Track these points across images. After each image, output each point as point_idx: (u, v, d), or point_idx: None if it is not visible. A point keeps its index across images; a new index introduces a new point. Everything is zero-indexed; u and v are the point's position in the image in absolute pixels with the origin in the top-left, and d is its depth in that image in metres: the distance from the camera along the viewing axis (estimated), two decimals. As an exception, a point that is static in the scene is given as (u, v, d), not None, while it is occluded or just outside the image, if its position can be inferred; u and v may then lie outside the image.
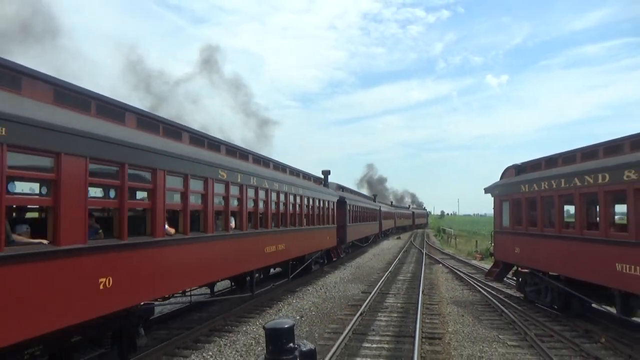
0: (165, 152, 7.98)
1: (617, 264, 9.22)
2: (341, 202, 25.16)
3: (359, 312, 12.08)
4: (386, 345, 9.55)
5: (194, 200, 9.35)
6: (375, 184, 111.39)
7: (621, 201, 10.19)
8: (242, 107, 59.72)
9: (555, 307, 12.45)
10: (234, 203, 11.14)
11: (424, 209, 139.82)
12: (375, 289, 16.04)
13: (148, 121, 8.31)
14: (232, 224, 11.00)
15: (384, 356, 8.87)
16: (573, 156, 11.66)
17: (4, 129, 4.94)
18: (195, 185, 9.20)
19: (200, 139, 10.18)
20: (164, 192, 7.96)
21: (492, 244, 17.32)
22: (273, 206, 13.74)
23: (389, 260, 28.06)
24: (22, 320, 5.20)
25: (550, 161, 12.75)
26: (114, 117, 7.32)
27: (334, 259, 24.26)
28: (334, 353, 8.64)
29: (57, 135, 5.62)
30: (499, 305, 13.46)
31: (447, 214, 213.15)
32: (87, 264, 6.19)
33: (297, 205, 16.38)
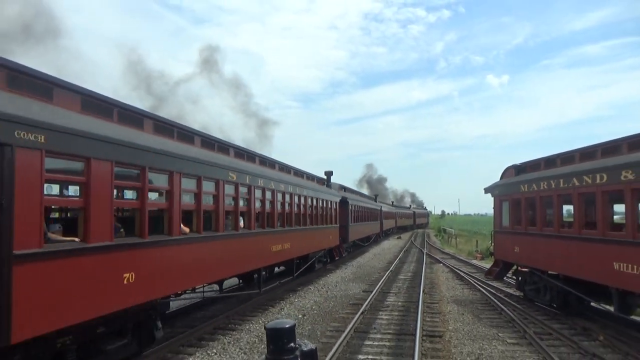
0: (180, 155, 8.40)
1: (614, 263, 9.32)
2: (343, 202, 25.31)
3: (361, 311, 12.17)
4: (387, 343, 9.63)
5: (206, 201, 9.74)
6: (375, 184, 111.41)
7: (619, 201, 10.31)
8: (242, 107, 59.83)
9: (554, 305, 12.53)
10: (242, 203, 11.52)
11: (425, 208, 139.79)
12: (377, 288, 16.12)
13: (163, 126, 8.74)
14: (241, 224, 11.37)
15: (386, 353, 8.93)
16: (572, 156, 11.76)
17: (43, 136, 5.36)
18: (208, 186, 9.63)
19: (210, 142, 10.58)
20: (180, 193, 8.39)
21: (492, 244, 17.44)
22: (279, 206, 14.14)
23: (390, 259, 28.16)
24: (59, 310, 5.62)
25: (550, 161, 12.86)
26: (133, 123, 7.75)
27: (337, 258, 24.52)
28: (336, 350, 8.74)
29: (87, 142, 6.05)
30: (499, 303, 13.54)
31: (448, 213, 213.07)
32: (114, 260, 6.65)
33: (302, 206, 16.72)
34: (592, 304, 11.94)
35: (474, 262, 27.39)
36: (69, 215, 9.57)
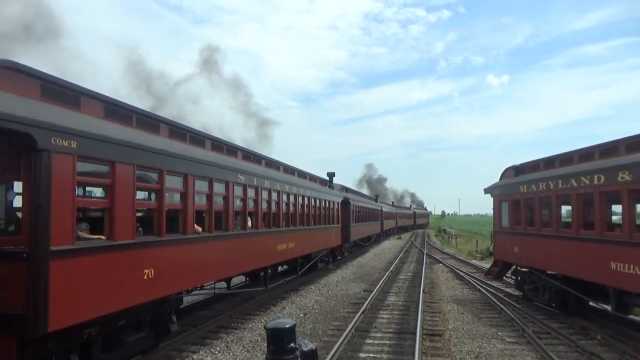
0: (193, 158, 8.93)
1: (611, 263, 9.46)
2: (345, 202, 25.63)
3: (361, 310, 12.31)
4: (388, 342, 9.78)
5: (217, 202, 10.23)
6: (375, 184, 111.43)
7: (616, 202, 10.45)
8: (242, 107, 59.94)
9: (553, 305, 12.67)
10: (250, 204, 12.00)
11: (425, 208, 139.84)
12: (377, 287, 16.27)
13: (177, 131, 9.26)
14: (249, 224, 11.86)
15: (386, 352, 9.08)
16: (570, 158, 11.90)
17: (75, 142, 5.83)
18: (218, 187, 10.14)
19: (220, 145, 11.10)
20: (194, 194, 8.91)
21: (492, 244, 17.57)
22: (284, 207, 14.66)
23: (390, 259, 28.29)
24: (89, 302, 6.12)
25: (548, 162, 12.99)
26: (150, 128, 8.26)
27: (338, 257, 24.89)
28: (337, 349, 8.88)
29: (112, 147, 6.55)
30: (498, 303, 13.68)
31: (448, 214, 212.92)
32: (135, 257, 7.16)
33: (305, 206, 17.21)
34: (591, 303, 12.05)
35: (474, 262, 27.52)
36: (90, 215, 10.12)
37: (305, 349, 3.17)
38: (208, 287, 11.50)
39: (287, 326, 3.11)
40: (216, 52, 63.19)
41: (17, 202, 6.87)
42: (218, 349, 9.27)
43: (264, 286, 13.73)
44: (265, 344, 9.37)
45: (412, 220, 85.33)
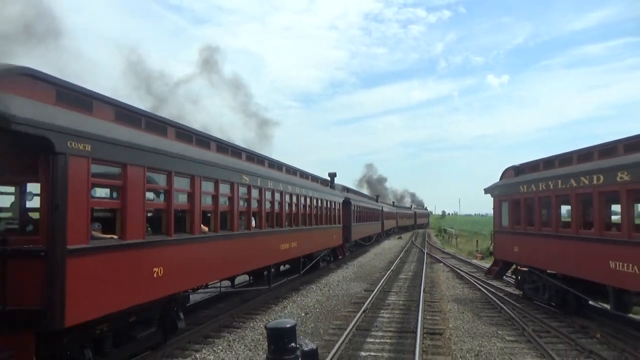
0: (200, 160, 9.22)
1: (610, 262, 9.54)
2: (346, 202, 25.92)
3: (362, 309, 12.41)
4: (389, 340, 9.87)
5: (223, 202, 10.51)
6: (375, 184, 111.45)
7: (615, 201, 10.52)
8: (242, 107, 60.05)
9: (553, 304, 12.76)
10: (254, 204, 12.29)
11: (425, 208, 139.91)
12: (378, 287, 16.37)
13: (184, 133, 9.49)
14: (253, 224, 12.17)
15: (387, 350, 9.17)
16: (569, 158, 11.98)
17: (89, 145, 6.10)
18: (224, 188, 10.43)
19: (224, 147, 11.38)
20: (200, 195, 9.19)
21: (492, 244, 17.64)
22: (286, 207, 14.97)
23: (391, 259, 28.38)
24: (103, 298, 6.39)
25: (548, 162, 13.08)
26: (158, 130, 8.48)
27: (340, 257, 25.16)
28: (339, 347, 8.96)
29: (124, 149, 6.84)
30: (498, 302, 13.79)
31: (449, 213, 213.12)
32: (146, 256, 7.45)
33: (307, 206, 17.50)
34: (590, 302, 12.11)
35: (474, 261, 27.63)
36: (101, 215, 10.51)
37: (306, 349, 3.17)
38: (212, 285, 11.71)
39: (288, 326, 3.11)
40: (216, 52, 63.13)
41: (30, 202, 7.11)
42: (220, 347, 9.36)
43: (268, 285, 14.01)
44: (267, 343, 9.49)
45: (412, 220, 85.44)
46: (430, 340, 9.91)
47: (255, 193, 12.26)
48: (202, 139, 10.22)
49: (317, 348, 3.31)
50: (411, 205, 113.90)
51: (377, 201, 46.57)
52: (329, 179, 24.09)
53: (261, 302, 13.75)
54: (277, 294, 15.06)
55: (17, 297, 5.57)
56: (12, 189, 7.27)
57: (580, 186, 10.82)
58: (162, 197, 8.52)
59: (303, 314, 12.49)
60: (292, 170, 17.08)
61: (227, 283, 13.13)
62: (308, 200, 17.51)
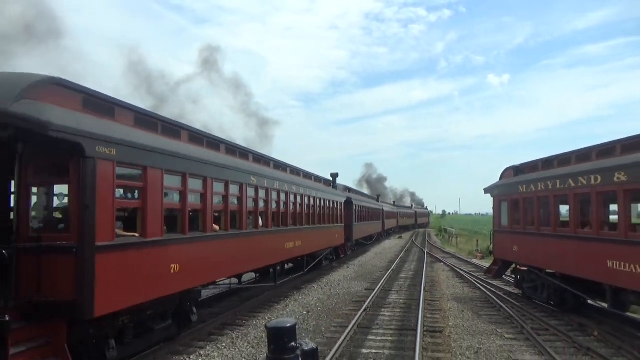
0: (212, 162, 9.75)
1: (608, 261, 9.69)
2: (348, 202, 26.37)
3: (363, 308, 12.58)
4: (390, 338, 10.05)
5: (232, 202, 11.04)
6: (374, 184, 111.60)
7: (612, 201, 10.65)
8: (242, 107, 60.19)
9: (552, 303, 12.94)
10: (261, 204, 12.80)
11: (426, 208, 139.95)
12: (379, 286, 16.57)
13: (196, 136, 10.01)
14: (260, 223, 12.72)
15: (388, 347, 9.34)
16: (568, 158, 12.14)
17: (115, 150, 6.62)
18: (234, 189, 11.02)
19: (233, 149, 11.93)
20: (212, 195, 9.75)
21: (492, 243, 17.77)
22: (291, 207, 15.53)
23: (391, 259, 28.54)
24: (127, 292, 6.91)
25: (547, 163, 13.24)
26: (173, 134, 8.99)
27: (342, 256, 25.67)
28: (340, 345, 9.11)
29: (144, 153, 7.37)
30: (498, 301, 13.98)
31: (449, 213, 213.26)
32: (164, 253, 7.99)
33: (311, 206, 18.04)
34: (589, 301, 12.23)
35: (474, 261, 27.83)
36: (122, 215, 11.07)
37: (306, 348, 3.18)
38: (220, 282, 12.22)
39: (288, 325, 3.13)
40: (216, 52, 63.30)
41: (59, 203, 7.49)
42: (224, 344, 9.53)
43: (274, 282, 14.59)
44: (270, 341, 9.63)
45: (413, 220, 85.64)
46: (431, 338, 10.08)
47: (262, 193, 12.79)
48: (213, 142, 10.69)
49: (317, 348, 3.33)
50: (411, 205, 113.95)
51: (378, 201, 46.81)
52: (331, 179, 24.55)
53: (264, 301, 13.94)
54: (279, 292, 15.26)
55: (50, 290, 6.03)
56: (43, 190, 7.68)
57: (578, 186, 10.98)
58: (177, 197, 8.97)
59: (305, 313, 12.65)
60: (296, 171, 17.57)
61: (234, 280, 13.49)
62: (311, 200, 18.01)
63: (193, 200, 9.43)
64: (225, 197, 10.51)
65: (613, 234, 10.06)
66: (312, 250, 18.38)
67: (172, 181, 8.42)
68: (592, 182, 10.46)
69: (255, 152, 13.90)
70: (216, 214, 10.33)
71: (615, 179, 9.66)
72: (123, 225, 7.54)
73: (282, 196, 14.55)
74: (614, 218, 11.15)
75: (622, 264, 9.34)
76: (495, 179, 16.60)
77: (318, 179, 21.23)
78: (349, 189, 30.77)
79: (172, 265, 8.12)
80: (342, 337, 9.59)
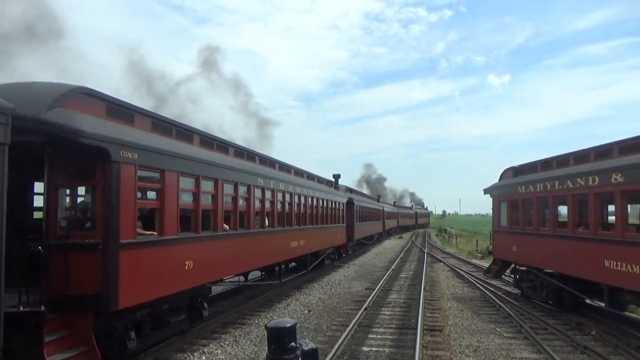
0: (223, 165, 10.29)
1: (605, 261, 9.84)
2: (350, 203, 26.84)
3: (364, 307, 12.76)
4: (390, 337, 10.21)
5: (241, 202, 11.58)
6: (374, 184, 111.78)
7: (610, 202, 10.79)
8: (242, 107, 60.36)
9: (550, 302, 13.12)
10: (267, 204, 13.36)
11: (426, 208, 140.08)
12: (379, 285, 16.77)
13: (206, 140, 10.54)
14: (266, 222, 13.26)
15: (389, 345, 9.52)
16: (566, 160, 12.31)
17: (136, 154, 7.11)
18: (242, 190, 11.60)
19: (241, 151, 12.50)
20: (223, 196, 10.28)
21: (491, 243, 17.91)
22: (295, 207, 16.09)
23: (391, 258, 28.72)
24: (147, 286, 7.40)
25: (546, 164, 13.40)
26: (186, 138, 9.50)
27: (343, 255, 26.23)
28: (341, 343, 9.26)
29: (162, 157, 7.88)
30: (497, 300, 14.17)
31: (449, 213, 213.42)
32: (179, 250, 8.51)
33: (314, 207, 18.57)
34: (587, 300, 12.36)
35: (474, 261, 28.03)
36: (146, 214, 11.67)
37: (306, 348, 3.18)
38: (227, 280, 12.71)
39: (288, 325, 3.10)
40: (216, 52, 63.55)
41: (84, 203, 7.80)
42: (227, 342, 9.69)
43: (279, 280, 15.16)
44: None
45: (413, 220, 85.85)
46: (430, 336, 10.24)
47: (268, 194, 13.34)
48: (222, 145, 11.21)
49: (317, 348, 3.33)
50: (412, 205, 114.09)
51: (378, 201, 47.04)
52: (333, 180, 25.07)
53: (265, 300, 14.13)
54: (281, 292, 15.45)
55: (78, 283, 6.53)
56: (70, 192, 8.14)
57: (576, 187, 11.15)
58: (191, 198, 9.39)
59: (306, 311, 12.81)
60: (300, 173, 18.12)
61: (242, 278, 13.93)
62: (315, 200, 18.52)
63: (205, 200, 9.91)
64: (235, 198, 11.04)
65: (610, 234, 10.24)
66: (315, 249, 18.92)
67: (186, 183, 8.92)
68: (590, 183, 10.61)
69: (262, 154, 14.39)
70: (226, 214, 10.79)
71: (613, 180, 9.82)
72: (142, 224, 7.92)
73: (287, 197, 15.11)
74: (611, 219, 11.31)
75: (619, 263, 9.50)
76: (495, 179, 16.82)
77: (321, 180, 21.83)
78: (351, 190, 31.25)
79: (187, 262, 8.63)
80: (343, 336, 9.73)
